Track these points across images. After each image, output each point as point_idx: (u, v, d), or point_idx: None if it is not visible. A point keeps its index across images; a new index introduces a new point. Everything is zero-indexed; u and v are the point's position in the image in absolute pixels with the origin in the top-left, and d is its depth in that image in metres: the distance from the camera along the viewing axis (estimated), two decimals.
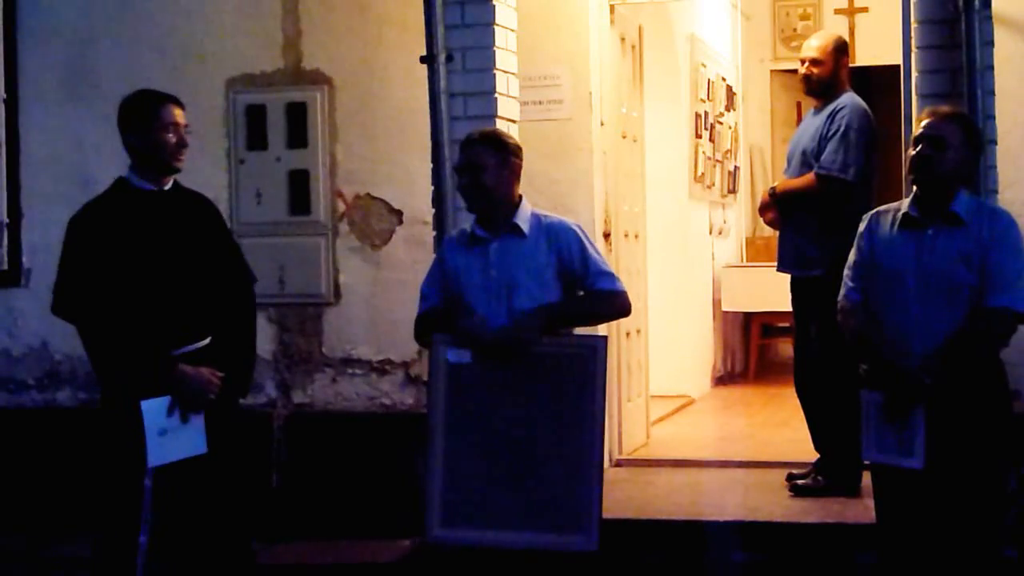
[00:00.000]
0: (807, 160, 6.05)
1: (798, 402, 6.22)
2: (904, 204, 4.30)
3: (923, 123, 4.26)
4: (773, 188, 6.27)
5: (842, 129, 5.93)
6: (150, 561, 4.34)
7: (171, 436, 4.33)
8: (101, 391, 4.54)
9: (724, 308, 9.82)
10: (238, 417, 4.62)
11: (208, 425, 4.41)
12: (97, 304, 4.35)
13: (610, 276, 4.45)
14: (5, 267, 6.90)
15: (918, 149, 4.22)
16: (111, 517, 4.44)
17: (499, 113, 5.65)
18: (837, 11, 10.91)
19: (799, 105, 11.11)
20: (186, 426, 4.36)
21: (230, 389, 4.51)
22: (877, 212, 4.38)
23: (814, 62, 6.09)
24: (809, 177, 6.00)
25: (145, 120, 4.44)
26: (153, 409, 4.30)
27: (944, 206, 4.20)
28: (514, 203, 4.44)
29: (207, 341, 4.50)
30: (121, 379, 4.38)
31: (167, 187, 4.53)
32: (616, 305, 4.47)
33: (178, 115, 4.48)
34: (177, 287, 4.43)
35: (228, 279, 4.61)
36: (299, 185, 6.55)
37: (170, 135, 4.44)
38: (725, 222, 10.15)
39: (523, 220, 4.42)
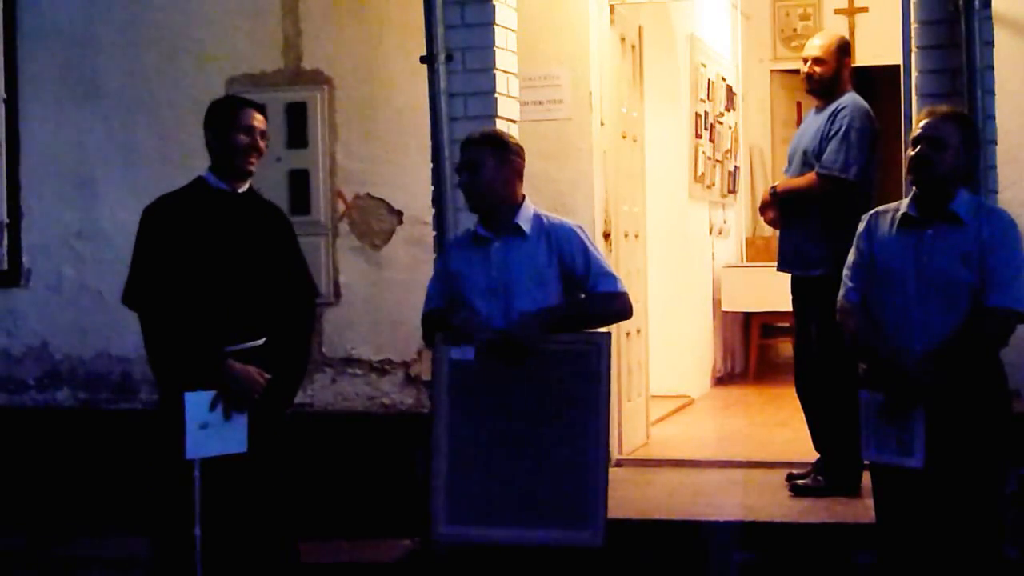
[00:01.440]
0: (808, 160, 6.05)
1: (798, 402, 6.22)
2: (904, 204, 4.30)
3: (922, 123, 4.26)
4: (774, 187, 6.27)
5: (843, 129, 5.93)
6: (206, 557, 4.37)
7: (212, 431, 4.37)
8: (158, 388, 4.62)
9: (724, 308, 9.81)
10: (283, 423, 4.63)
11: (252, 426, 4.44)
12: (160, 295, 4.43)
13: (612, 277, 4.44)
14: (5, 267, 6.89)
15: (917, 149, 4.21)
16: (165, 511, 4.47)
17: (499, 113, 5.65)
18: (837, 11, 10.91)
19: (799, 105, 11.11)
20: (228, 423, 4.40)
21: (277, 393, 4.53)
22: (876, 212, 4.38)
23: (817, 61, 6.09)
24: (810, 176, 6.00)
25: (223, 121, 4.57)
26: (196, 401, 4.35)
27: (944, 206, 4.20)
28: (516, 203, 4.44)
29: (261, 342, 4.53)
30: (173, 371, 4.43)
31: (241, 190, 4.61)
32: (618, 306, 4.46)
33: (257, 120, 4.58)
34: (237, 285, 4.49)
35: (290, 287, 4.66)
36: (299, 185, 6.55)
37: (243, 137, 4.53)
38: (725, 222, 10.15)
39: (525, 220, 4.42)
